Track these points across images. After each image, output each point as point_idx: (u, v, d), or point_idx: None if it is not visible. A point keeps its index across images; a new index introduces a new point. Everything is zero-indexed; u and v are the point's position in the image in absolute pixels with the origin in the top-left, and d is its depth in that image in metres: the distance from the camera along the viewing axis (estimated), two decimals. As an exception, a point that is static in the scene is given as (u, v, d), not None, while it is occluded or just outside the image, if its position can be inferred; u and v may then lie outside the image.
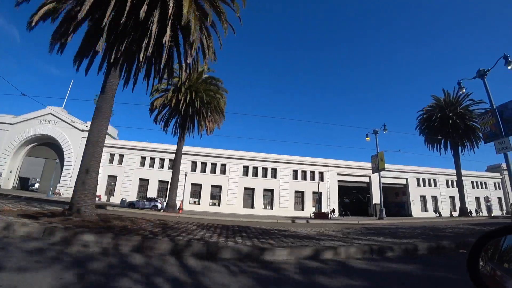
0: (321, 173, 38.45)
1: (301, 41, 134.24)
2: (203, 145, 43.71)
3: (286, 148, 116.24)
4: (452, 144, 27.12)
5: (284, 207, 35.64)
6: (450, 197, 45.61)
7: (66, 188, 33.76)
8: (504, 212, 47.33)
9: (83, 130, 36.56)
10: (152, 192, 35.17)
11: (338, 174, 38.92)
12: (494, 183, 49.13)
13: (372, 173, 25.81)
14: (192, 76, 20.08)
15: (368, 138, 23.74)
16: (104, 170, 35.63)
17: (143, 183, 35.53)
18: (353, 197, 46.26)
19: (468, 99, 26.93)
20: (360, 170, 40.19)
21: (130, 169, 35.60)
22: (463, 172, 47.32)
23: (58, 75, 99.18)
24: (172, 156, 36.11)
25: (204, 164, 36.38)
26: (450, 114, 25.70)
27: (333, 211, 34.54)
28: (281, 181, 36.77)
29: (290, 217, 25.03)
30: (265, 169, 37.07)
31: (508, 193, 48.68)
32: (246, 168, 36.81)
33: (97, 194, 33.50)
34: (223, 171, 36.29)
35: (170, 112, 20.37)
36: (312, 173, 38.35)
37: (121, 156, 36.15)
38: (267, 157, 37.31)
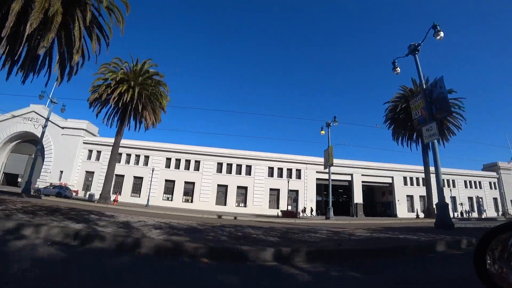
0: (298, 171, 37.68)
1: (282, 36, 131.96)
2: (177, 141, 43.81)
3: (263, 145, 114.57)
4: (417, 138, 25.34)
5: (258, 205, 35.17)
6: (440, 197, 43.55)
7: (44, 183, 34.79)
8: (500, 213, 44.72)
9: (63, 127, 37.63)
10: (127, 187, 35.72)
11: (317, 172, 37.96)
12: (490, 183, 46.47)
13: (324, 168, 24.80)
14: (134, 69, 20.27)
15: (323, 132, 22.87)
16: (82, 166, 36.55)
17: (119, 179, 36.07)
18: (333, 196, 44.93)
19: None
20: (340, 168, 39.03)
21: (106, 165, 36.20)
22: (455, 170, 45.43)
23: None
24: (147, 153, 36.77)
25: (178, 161, 36.50)
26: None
27: (304, 210, 33.75)
28: (256, 179, 36.31)
29: (263, 215, 24.67)
30: (239, 166, 36.73)
31: (504, 193, 45.99)
32: (220, 165, 36.63)
33: (75, 189, 34.82)
34: (197, 168, 36.28)
35: (102, 105, 20.54)
36: (289, 170, 37.64)
37: (99, 152, 36.86)
38: (242, 154, 36.95)
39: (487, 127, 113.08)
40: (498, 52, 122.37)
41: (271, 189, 36.43)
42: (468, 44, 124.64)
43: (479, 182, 46.13)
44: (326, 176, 38.82)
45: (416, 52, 11.36)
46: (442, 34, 10.51)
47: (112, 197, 26.34)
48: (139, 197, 34.91)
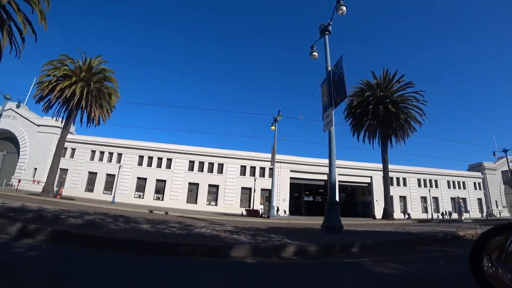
0: (272, 170, 37.17)
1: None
2: (151, 139, 43.72)
3: (235, 143, 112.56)
4: (373, 134, 24.30)
5: (229, 203, 34.90)
6: (421, 197, 42.65)
7: (17, 180, 35.17)
8: (485, 214, 43.51)
9: (39, 125, 37.98)
10: (100, 184, 35.86)
11: (291, 171, 37.50)
12: (474, 183, 45.26)
13: (271, 165, 24.28)
14: (79, 65, 20.17)
15: (273, 127, 22.38)
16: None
17: (92, 176, 36.26)
18: (310, 196, 44.44)
19: (406, 83, 23.86)
20: (316, 167, 38.52)
21: (80, 162, 36.47)
22: (437, 170, 44.38)
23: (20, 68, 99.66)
24: (121, 150, 36.83)
25: (150, 159, 36.47)
26: (371, 98, 22.88)
27: (269, 209, 33.33)
28: (227, 177, 36.04)
29: (229, 214, 24.50)
30: (211, 164, 36.51)
31: (488, 193, 44.78)
32: (192, 163, 36.47)
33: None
34: (168, 166, 36.19)
35: (50, 101, 20.52)
36: (262, 169, 37.27)
37: (73, 150, 37.08)
38: (214, 152, 36.71)
39: (475, 128, 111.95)
40: (488, 54, 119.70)
41: (243, 188, 36.11)
42: (458, 45, 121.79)
43: (463, 183, 44.99)
44: (301, 176, 38.62)
45: (327, 33, 10.68)
46: (344, 8, 10.02)
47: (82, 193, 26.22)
48: (111, 194, 35.00)
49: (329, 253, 4.56)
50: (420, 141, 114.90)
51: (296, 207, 38.95)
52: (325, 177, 39.10)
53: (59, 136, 37.11)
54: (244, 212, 28.82)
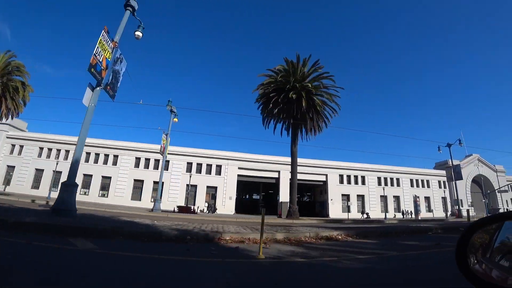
0: (219, 167, 36.60)
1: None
2: (99, 136, 43.52)
3: (182, 139, 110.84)
4: (285, 125, 22.77)
5: (173, 200, 34.38)
6: (381, 196, 41.35)
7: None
8: (449, 213, 41.96)
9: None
10: (46, 182, 35.80)
11: (239, 168, 36.75)
12: (439, 181, 43.68)
13: (161, 155, 23.43)
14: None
15: (175, 119, 21.70)
16: (4, 161, 36.90)
17: (39, 173, 36.25)
18: (262, 194, 43.48)
19: (322, 72, 22.46)
20: (266, 164, 37.70)
21: (27, 160, 36.48)
22: (399, 168, 43.02)
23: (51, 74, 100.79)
24: (68, 147, 36.72)
25: (97, 155, 36.25)
26: (282, 85, 21.14)
27: (209, 206, 32.81)
28: (172, 174, 35.55)
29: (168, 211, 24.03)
30: (157, 161, 36.05)
31: (454, 192, 43.11)
32: (138, 160, 36.12)
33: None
34: (114, 163, 35.92)
35: None
36: (209, 166, 36.63)
37: (21, 147, 37.11)
38: (159, 148, 36.19)
39: (445, 126, 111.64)
40: (462, 53, 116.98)
41: (187, 185, 35.58)
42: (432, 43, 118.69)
43: (427, 181, 43.49)
44: (249, 173, 37.84)
45: (129, 8, 9.84)
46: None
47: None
48: (57, 191, 34.95)
49: None
50: (390, 140, 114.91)
51: (242, 205, 38.14)
52: (275, 175, 38.35)
53: (8, 133, 37.65)
54: (176, 209, 28.42)
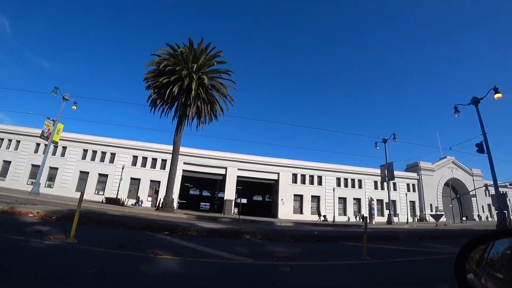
0: (164, 161, 35.87)
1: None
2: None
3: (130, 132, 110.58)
4: (171, 111, 20.94)
5: (115, 193, 34.16)
6: (340, 198, 39.01)
7: None
8: (417, 218, 38.79)
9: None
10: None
11: (185, 163, 35.78)
12: (408, 185, 40.50)
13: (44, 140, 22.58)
14: None
15: (74, 107, 21.07)
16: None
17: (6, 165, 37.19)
18: (208, 192, 42.18)
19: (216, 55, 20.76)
20: (212, 160, 36.54)
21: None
22: (361, 169, 40.34)
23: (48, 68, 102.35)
24: (18, 138, 37.47)
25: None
26: (171, 69, 18.53)
27: (141, 201, 32.12)
28: (117, 167, 35.26)
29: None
30: (104, 154, 35.98)
31: (423, 196, 39.85)
32: (85, 152, 36.19)
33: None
34: (62, 154, 36.22)
35: None
36: (154, 160, 36.05)
37: (-19, 136, 38.27)
38: (107, 142, 36.09)
39: (422, 127, 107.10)
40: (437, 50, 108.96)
41: (132, 178, 35.24)
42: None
43: (394, 184, 40.37)
44: (194, 168, 36.85)
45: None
46: None
47: None
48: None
49: None
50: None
51: (187, 201, 37.24)
52: (222, 171, 37.14)
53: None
54: (104, 200, 28.10)
